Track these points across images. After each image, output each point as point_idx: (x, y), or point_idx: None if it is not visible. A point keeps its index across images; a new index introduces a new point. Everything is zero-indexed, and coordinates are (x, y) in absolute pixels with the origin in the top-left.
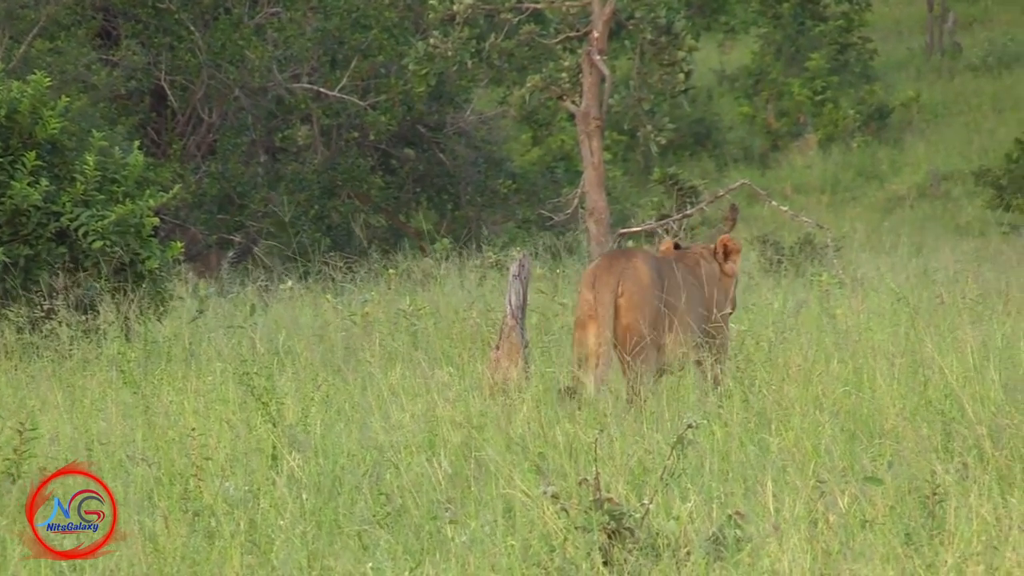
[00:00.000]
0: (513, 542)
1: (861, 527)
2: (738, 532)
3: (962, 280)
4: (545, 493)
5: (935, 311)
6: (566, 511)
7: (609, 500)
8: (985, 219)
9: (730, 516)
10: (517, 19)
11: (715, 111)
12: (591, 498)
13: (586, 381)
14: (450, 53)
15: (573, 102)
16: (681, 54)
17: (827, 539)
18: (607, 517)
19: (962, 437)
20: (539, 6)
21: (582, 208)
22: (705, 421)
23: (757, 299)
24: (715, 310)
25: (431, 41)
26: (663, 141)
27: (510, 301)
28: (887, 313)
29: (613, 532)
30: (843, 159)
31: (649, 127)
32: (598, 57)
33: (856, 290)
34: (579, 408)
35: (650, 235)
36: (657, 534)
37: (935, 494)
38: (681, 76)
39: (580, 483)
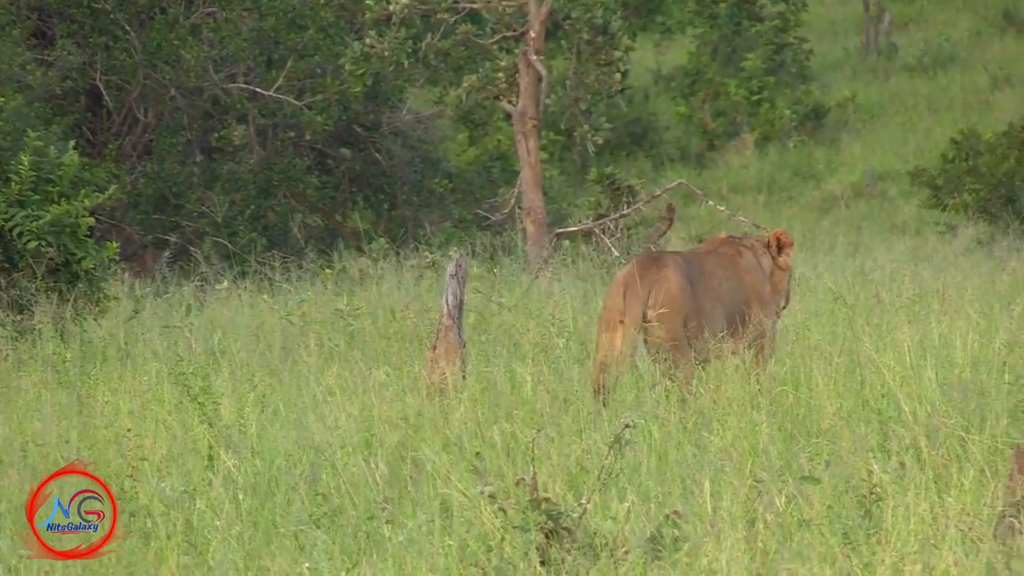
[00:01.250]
0: (450, 542)
1: (798, 526)
2: (676, 532)
3: (899, 279)
4: (482, 493)
5: (872, 310)
6: (503, 511)
7: (547, 500)
8: (921, 218)
9: (668, 516)
10: (453, 19)
11: (652, 111)
12: (528, 498)
13: (604, 380)
14: (386, 53)
15: (510, 102)
16: (618, 54)
17: (765, 539)
18: (544, 517)
19: (899, 436)
20: (475, 6)
21: (519, 208)
22: (643, 421)
23: None
24: (759, 303)
25: (367, 41)
26: (600, 141)
27: (447, 301)
28: (824, 313)
29: (551, 532)
30: (779, 159)
31: (586, 127)
32: (535, 57)
33: (793, 290)
34: (604, 405)
35: (586, 235)
36: (595, 534)
37: (872, 493)
38: (618, 76)
39: (517, 483)
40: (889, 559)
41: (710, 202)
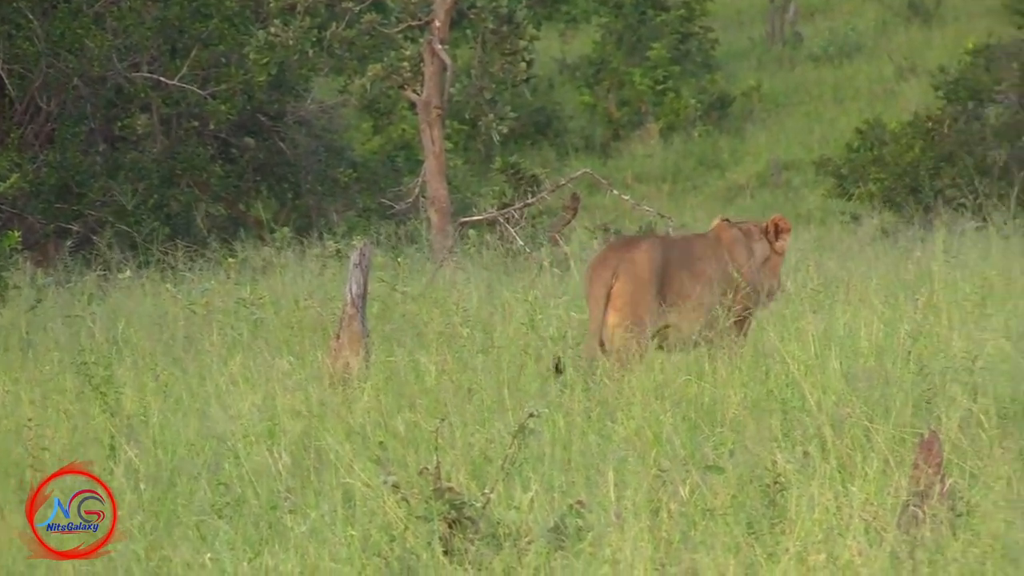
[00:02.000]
0: (353, 532)
1: (702, 516)
2: (579, 521)
3: (804, 269)
4: (385, 483)
5: (777, 300)
6: (406, 501)
7: (450, 490)
8: (826, 208)
9: (571, 505)
10: (358, 8)
11: (556, 100)
12: (432, 488)
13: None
14: (291, 42)
15: (414, 91)
16: (523, 43)
17: (668, 528)
18: (448, 507)
19: (804, 426)
20: None
21: (423, 197)
22: (547, 410)
23: None
24: (745, 287)
25: (272, 30)
26: (504, 130)
27: (351, 290)
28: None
29: (454, 522)
30: (684, 148)
31: (490, 116)
32: (439, 46)
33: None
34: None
35: (491, 224)
36: (498, 523)
37: (776, 483)
38: (523, 65)
39: (421, 472)
40: (793, 548)
41: (615, 191)
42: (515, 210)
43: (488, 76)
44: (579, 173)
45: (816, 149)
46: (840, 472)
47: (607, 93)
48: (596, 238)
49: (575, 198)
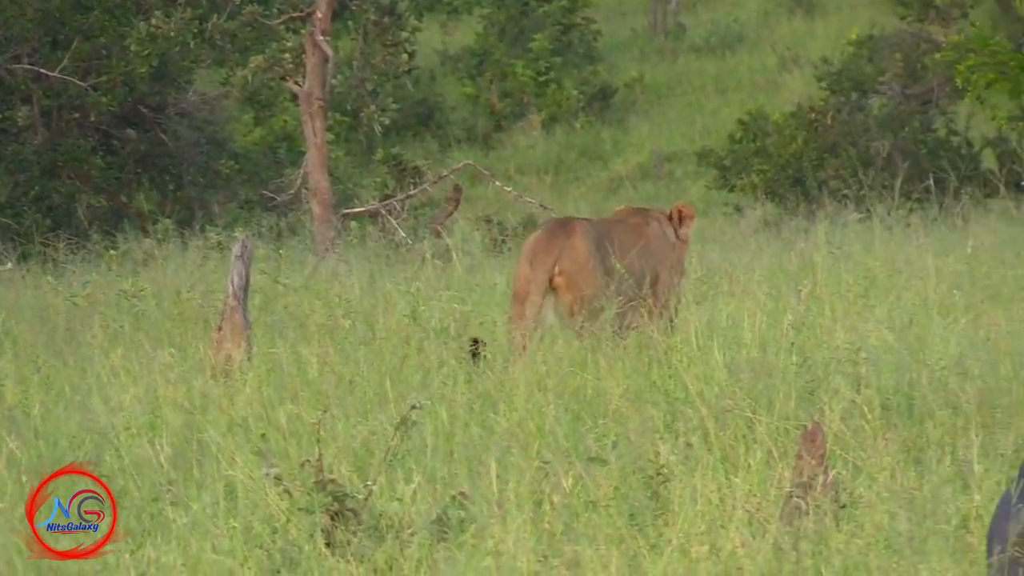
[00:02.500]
0: (235, 524)
1: (585, 508)
2: (462, 513)
3: (687, 261)
4: (267, 475)
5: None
6: (289, 493)
7: (332, 482)
8: (709, 199)
9: (454, 497)
10: (240, 0)
11: (438, 92)
12: (314, 480)
13: (514, 345)
14: (172, 34)
15: (296, 83)
16: (404, 35)
17: (551, 520)
18: (330, 499)
19: (687, 418)
20: None
21: (305, 189)
22: (429, 402)
23: (481, 280)
24: (666, 271)
25: (153, 22)
26: (386, 122)
27: (232, 282)
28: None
29: (336, 514)
30: (567, 139)
31: (372, 108)
32: (321, 38)
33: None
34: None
35: (373, 216)
36: (381, 515)
37: (659, 474)
38: (404, 57)
39: (303, 465)
40: (676, 540)
41: (497, 183)
42: (397, 202)
43: (370, 67)
44: (461, 165)
45: (698, 140)
46: (723, 464)
47: (489, 84)
48: (478, 230)
49: (457, 190)
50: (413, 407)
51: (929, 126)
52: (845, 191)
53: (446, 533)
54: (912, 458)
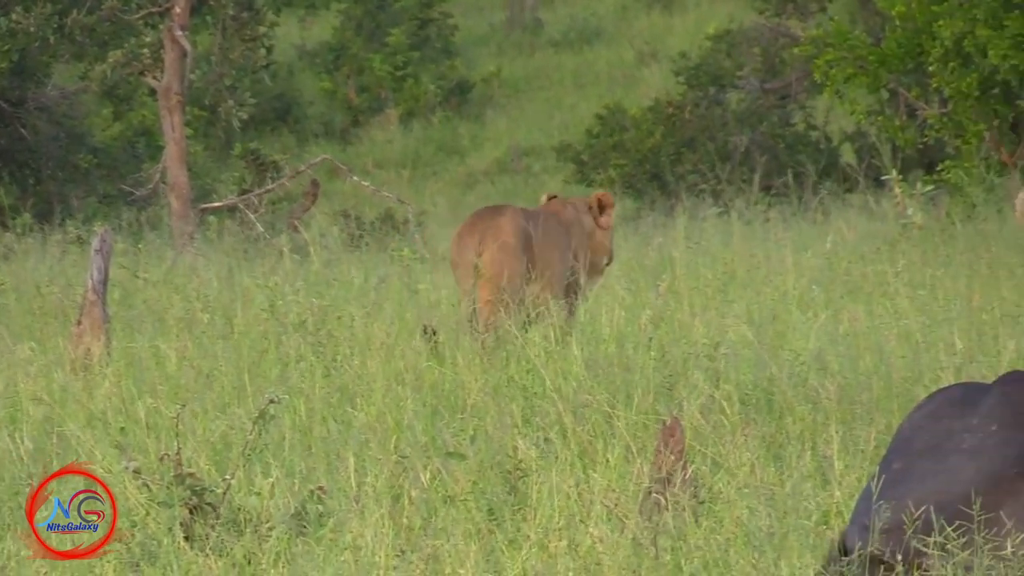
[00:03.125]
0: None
1: (444, 502)
2: (320, 507)
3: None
4: (126, 468)
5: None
6: (147, 486)
7: (191, 475)
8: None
9: (312, 491)
10: None
11: (296, 86)
12: (172, 473)
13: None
14: (32, 29)
15: (155, 77)
16: (262, 29)
17: (409, 514)
18: (189, 492)
19: (544, 412)
20: None
21: (164, 183)
22: (287, 396)
23: (339, 274)
24: (581, 259)
25: (13, 17)
26: (244, 116)
27: (92, 276)
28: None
29: (195, 507)
30: (424, 134)
31: (230, 102)
32: (180, 32)
33: (438, 265)
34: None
35: (231, 210)
36: (239, 509)
37: (518, 469)
38: (263, 51)
39: (161, 459)
40: (535, 535)
41: (355, 177)
42: (255, 196)
43: (228, 62)
44: (319, 159)
45: (556, 135)
46: (581, 459)
47: (347, 79)
48: (336, 224)
49: (314, 184)
50: (271, 401)
51: (788, 120)
52: (703, 186)
53: (304, 527)
54: (772, 453)
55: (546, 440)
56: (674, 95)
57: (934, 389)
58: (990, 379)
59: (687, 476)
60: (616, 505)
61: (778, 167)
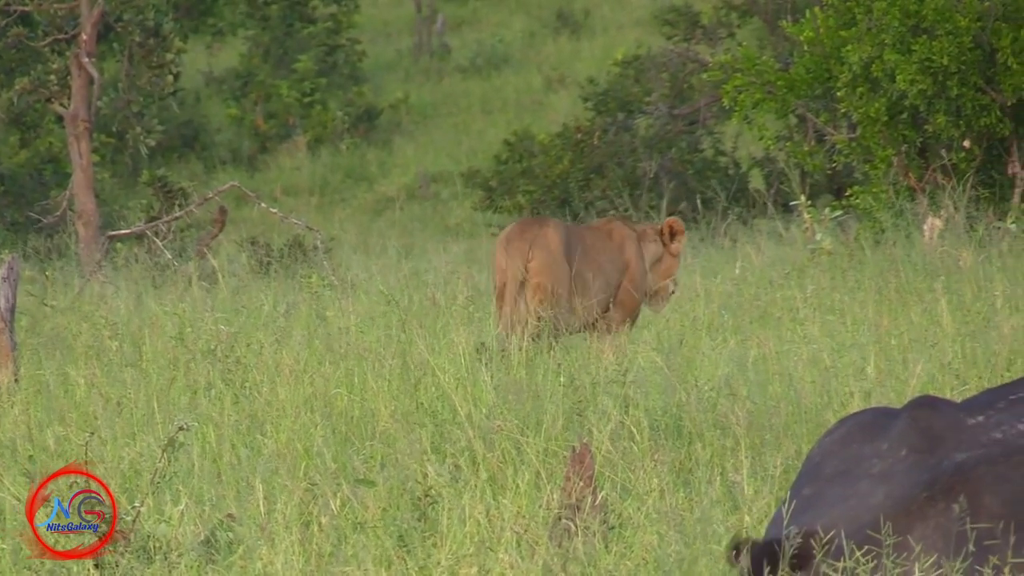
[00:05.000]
0: (3, 545)
1: (353, 529)
2: (230, 535)
3: (453, 282)
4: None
5: (427, 313)
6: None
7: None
8: (474, 220)
9: (222, 519)
10: (4, 22)
11: (203, 113)
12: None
13: (505, 341)
14: None
15: (62, 104)
16: (170, 56)
17: (319, 541)
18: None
19: (454, 439)
20: (27, 8)
21: (71, 210)
22: (196, 423)
23: (247, 301)
24: (627, 282)
25: None
26: (152, 143)
27: None
28: (378, 315)
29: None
30: (332, 161)
31: (138, 129)
32: (87, 59)
33: (347, 292)
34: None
35: (139, 237)
36: (149, 537)
37: (427, 496)
38: (170, 78)
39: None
40: (445, 561)
41: (263, 204)
42: (163, 223)
43: (135, 89)
44: (227, 186)
45: (464, 161)
46: (491, 485)
47: (254, 106)
48: (244, 251)
49: (222, 211)
50: (180, 428)
51: (696, 146)
52: (612, 212)
53: (214, 555)
54: (681, 479)
55: (456, 467)
56: (582, 121)
57: (844, 414)
58: (899, 404)
59: (597, 502)
60: (526, 531)
61: (686, 193)
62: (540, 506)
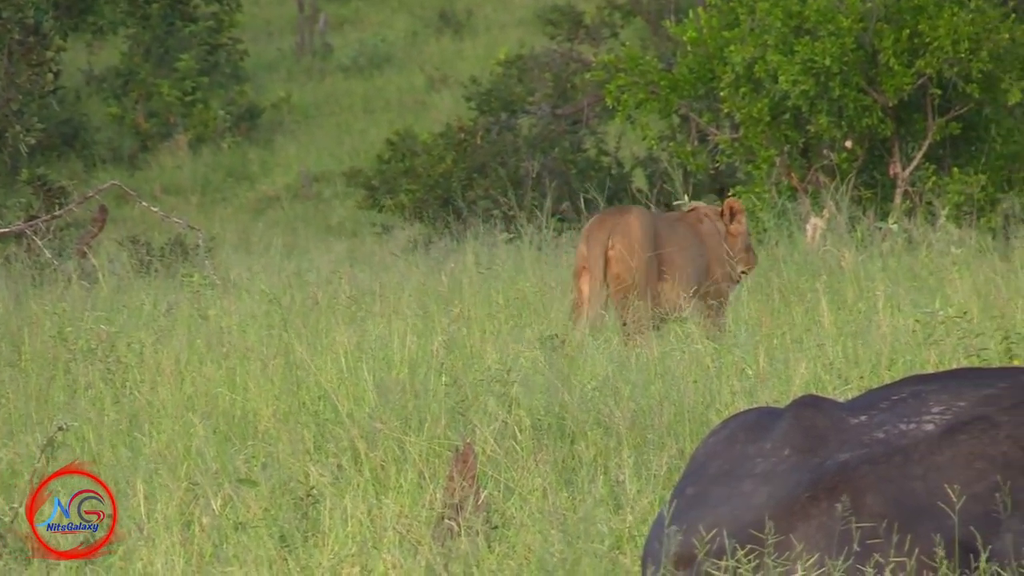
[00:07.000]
0: None
1: (235, 529)
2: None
3: (336, 281)
4: None
5: (309, 313)
6: None
7: None
8: (357, 220)
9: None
10: None
11: (84, 111)
12: None
13: (578, 326)
14: None
15: None
16: (49, 54)
17: (201, 542)
18: None
19: (337, 438)
20: None
21: None
22: (76, 423)
23: (128, 300)
24: (715, 266)
25: None
26: (32, 141)
27: None
28: (260, 315)
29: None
30: (213, 160)
31: (17, 127)
32: None
33: (228, 291)
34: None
35: (19, 236)
36: (27, 538)
37: (309, 495)
38: (50, 76)
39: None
40: (327, 562)
41: (143, 203)
42: (43, 222)
43: (15, 87)
44: (107, 185)
45: (347, 160)
46: (374, 485)
47: (135, 104)
48: (125, 250)
49: (103, 210)
50: (60, 428)
51: (579, 146)
52: (495, 211)
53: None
54: (564, 479)
55: (338, 466)
56: (465, 120)
57: (727, 414)
58: (782, 403)
59: (480, 502)
60: (409, 531)
61: (569, 192)
62: (423, 506)
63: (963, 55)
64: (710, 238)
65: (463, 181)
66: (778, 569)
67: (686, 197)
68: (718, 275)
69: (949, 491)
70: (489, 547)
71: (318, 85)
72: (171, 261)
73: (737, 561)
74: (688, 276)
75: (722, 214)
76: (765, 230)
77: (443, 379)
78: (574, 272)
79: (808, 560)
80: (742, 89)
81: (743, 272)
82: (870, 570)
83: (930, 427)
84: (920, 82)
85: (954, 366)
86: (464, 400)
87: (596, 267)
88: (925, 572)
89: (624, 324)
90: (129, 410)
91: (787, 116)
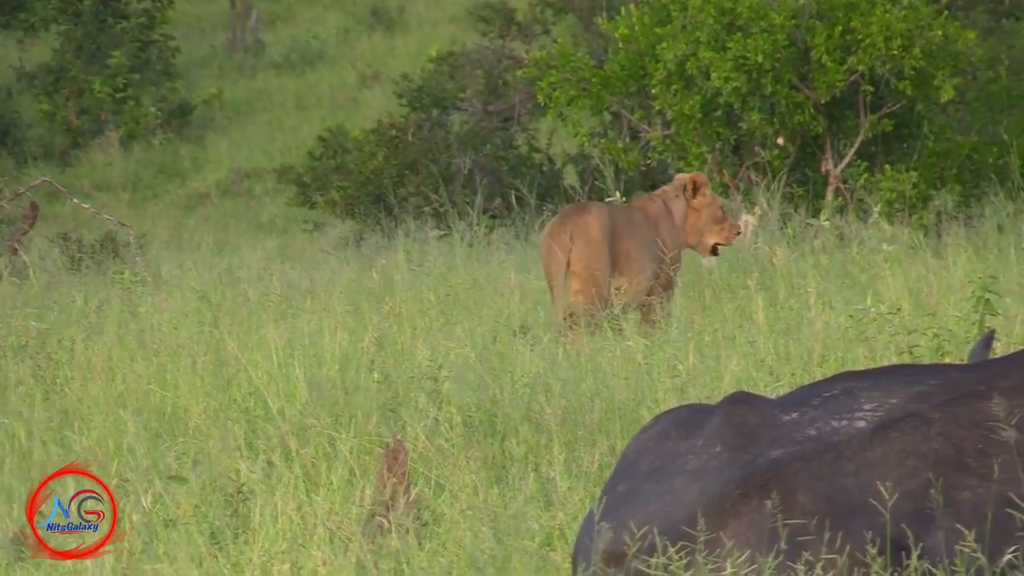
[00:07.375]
0: None
1: (165, 526)
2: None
3: (266, 278)
4: None
5: (240, 309)
6: None
7: None
8: (288, 216)
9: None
10: None
11: (15, 108)
12: None
13: (557, 326)
14: None
15: None
16: None
17: (130, 539)
18: None
19: (267, 435)
20: None
21: None
22: (6, 420)
23: (59, 297)
24: (668, 248)
25: None
26: None
27: None
28: (191, 312)
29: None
30: (145, 156)
31: None
32: None
33: (159, 288)
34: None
35: None
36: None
37: (240, 492)
38: None
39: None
40: (257, 559)
41: (74, 200)
42: None
43: None
44: (38, 182)
45: (278, 157)
46: (305, 481)
47: (66, 101)
48: (56, 247)
49: (34, 207)
50: None
51: (511, 143)
52: (426, 208)
53: (23, 552)
54: (495, 475)
55: (269, 463)
56: (396, 117)
57: (658, 411)
58: (713, 400)
59: (410, 499)
60: (339, 528)
61: (501, 189)
62: (353, 502)
63: (895, 52)
64: (662, 219)
65: (395, 178)
66: (709, 566)
67: (617, 194)
68: (669, 258)
69: (881, 488)
70: (420, 544)
71: (250, 82)
72: (102, 258)
73: (668, 558)
74: (644, 268)
75: (685, 188)
76: None
77: (374, 376)
78: (545, 274)
79: (739, 557)
80: (674, 86)
81: (719, 244)
82: (801, 567)
83: (862, 424)
84: (852, 79)
85: (886, 363)
86: (395, 397)
87: (559, 269)
88: (857, 569)
89: (574, 322)
90: (59, 407)
91: (719, 113)
